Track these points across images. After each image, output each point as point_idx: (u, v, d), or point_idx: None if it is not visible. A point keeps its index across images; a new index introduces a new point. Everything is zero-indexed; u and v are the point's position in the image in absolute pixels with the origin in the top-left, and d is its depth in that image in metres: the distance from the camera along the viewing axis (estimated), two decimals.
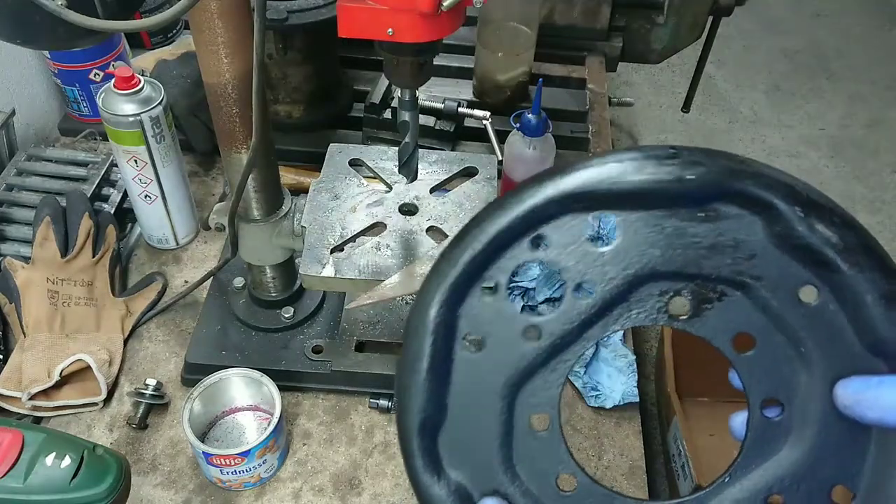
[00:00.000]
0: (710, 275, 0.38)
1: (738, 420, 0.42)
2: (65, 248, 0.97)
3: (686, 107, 1.75)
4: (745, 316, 0.39)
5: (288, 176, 1.14)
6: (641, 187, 0.37)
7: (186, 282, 1.06)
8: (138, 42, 1.37)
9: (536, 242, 0.40)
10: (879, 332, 0.37)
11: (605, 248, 0.39)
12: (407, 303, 0.98)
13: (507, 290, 0.42)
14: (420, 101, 0.88)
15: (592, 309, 0.40)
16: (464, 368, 0.42)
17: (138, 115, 0.93)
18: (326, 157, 0.95)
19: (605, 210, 0.39)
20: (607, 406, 0.94)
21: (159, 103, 0.95)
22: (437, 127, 1.20)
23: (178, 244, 1.10)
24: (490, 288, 0.42)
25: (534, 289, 1.06)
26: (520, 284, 1.09)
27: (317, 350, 0.93)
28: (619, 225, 0.39)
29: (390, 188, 0.92)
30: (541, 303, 1.06)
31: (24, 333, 0.93)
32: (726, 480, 0.41)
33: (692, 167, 0.37)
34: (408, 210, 0.89)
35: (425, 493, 0.41)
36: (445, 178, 0.94)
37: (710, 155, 0.37)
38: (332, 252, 0.84)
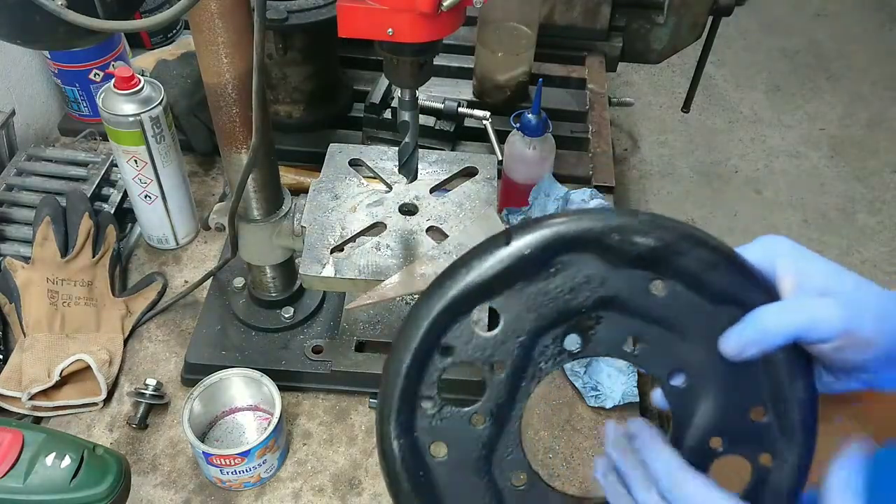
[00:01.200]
0: (581, 309, 0.47)
1: (657, 395, 0.51)
2: (65, 248, 0.97)
3: (686, 107, 1.75)
4: (622, 324, 0.48)
5: (288, 176, 1.14)
6: (495, 275, 0.46)
7: (186, 282, 1.06)
8: (138, 42, 1.37)
9: (445, 352, 0.48)
10: (719, 289, 0.46)
11: (495, 332, 0.47)
12: (407, 303, 0.98)
13: (439, 398, 0.49)
14: (420, 101, 0.88)
15: (510, 379, 0.48)
16: (442, 473, 0.50)
17: (138, 115, 0.93)
18: (326, 157, 0.95)
19: (480, 304, 0.47)
20: (607, 406, 0.94)
21: (159, 103, 0.95)
22: (437, 127, 1.20)
23: (178, 244, 1.10)
24: (429, 400, 0.49)
25: None
26: None
27: (317, 350, 0.93)
28: (497, 308, 0.47)
29: (390, 188, 0.92)
30: None
31: (24, 333, 0.93)
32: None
33: (524, 241, 0.45)
34: (408, 210, 0.89)
35: None
36: (445, 178, 0.94)
37: (537, 224, 0.46)
38: (332, 252, 0.84)
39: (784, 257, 0.47)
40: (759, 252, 0.47)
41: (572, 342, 0.48)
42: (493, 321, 0.47)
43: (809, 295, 0.45)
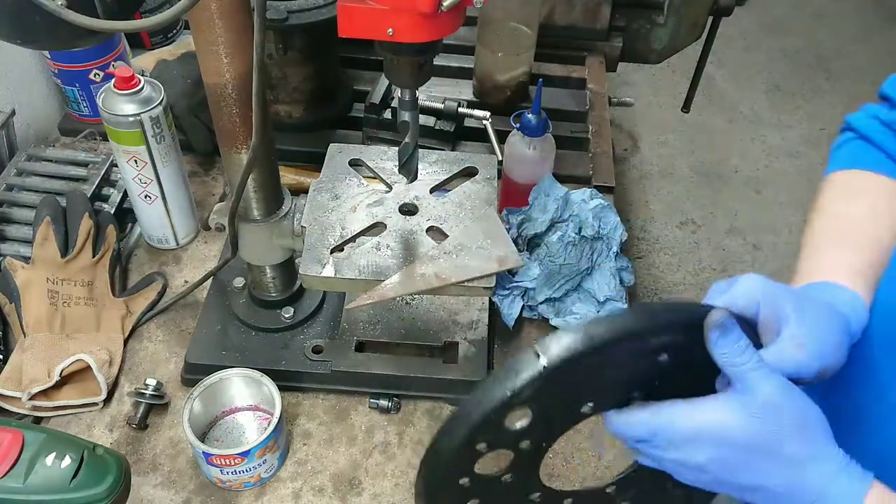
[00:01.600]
0: (599, 392, 0.54)
1: None
2: (65, 248, 0.97)
3: (686, 107, 1.75)
4: (630, 388, 0.55)
5: (288, 176, 1.14)
6: (530, 392, 0.51)
7: (186, 282, 1.06)
8: (138, 42, 1.37)
9: (481, 447, 0.53)
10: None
11: (523, 424, 0.53)
12: (407, 303, 0.98)
13: (474, 476, 0.56)
14: (420, 101, 0.88)
15: (535, 447, 0.56)
16: None
17: (138, 115, 0.93)
18: (326, 157, 0.95)
19: (514, 411, 0.52)
20: None
21: (159, 103, 0.95)
22: (437, 127, 1.20)
23: (178, 244, 1.10)
24: (465, 478, 0.56)
25: (534, 288, 1.07)
26: (520, 284, 1.09)
27: (317, 350, 0.94)
28: (528, 409, 0.52)
29: (390, 188, 0.92)
30: (540, 303, 1.06)
31: (24, 333, 0.93)
32: None
33: (553, 355, 0.50)
34: (408, 210, 0.89)
35: None
36: (445, 178, 0.94)
37: (561, 337, 0.51)
38: (332, 252, 0.84)
39: (763, 300, 0.55)
40: (743, 297, 0.56)
41: (586, 406, 0.55)
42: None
43: (789, 345, 0.54)
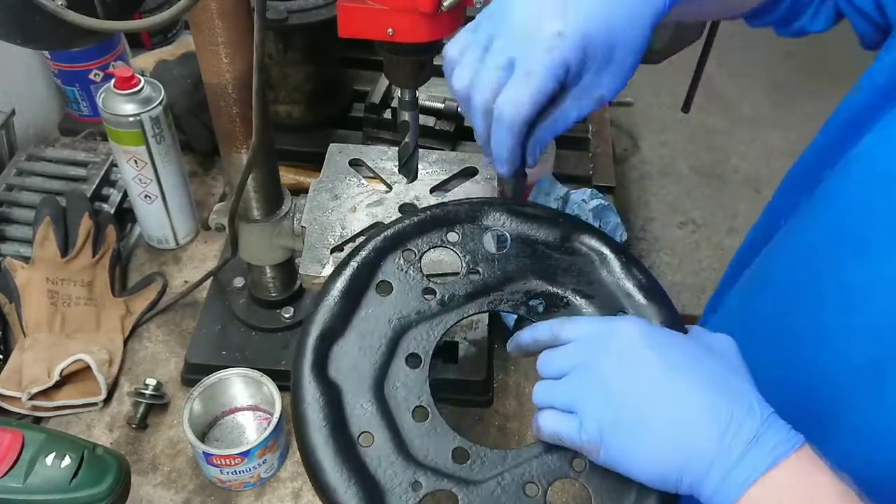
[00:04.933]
0: (560, 289, 0.61)
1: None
2: (65, 248, 0.97)
3: (686, 107, 1.76)
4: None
5: (288, 176, 1.14)
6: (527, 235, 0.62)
7: (186, 282, 1.06)
8: (138, 42, 1.37)
9: (448, 238, 0.62)
10: None
11: (498, 252, 0.61)
12: None
13: (417, 262, 0.60)
14: (420, 101, 0.88)
15: (477, 287, 0.60)
16: (371, 304, 0.59)
17: (138, 115, 0.93)
18: (326, 157, 0.95)
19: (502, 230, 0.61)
20: None
21: (159, 103, 0.95)
22: (437, 127, 1.20)
23: (178, 244, 1.10)
24: (408, 254, 0.60)
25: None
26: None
27: None
28: (510, 239, 0.61)
29: (390, 188, 0.92)
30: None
31: (24, 333, 0.93)
32: None
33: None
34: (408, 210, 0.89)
35: (303, 384, 0.58)
36: (445, 178, 0.94)
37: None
38: (332, 252, 0.84)
39: None
40: None
41: (535, 305, 0.61)
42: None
43: None
